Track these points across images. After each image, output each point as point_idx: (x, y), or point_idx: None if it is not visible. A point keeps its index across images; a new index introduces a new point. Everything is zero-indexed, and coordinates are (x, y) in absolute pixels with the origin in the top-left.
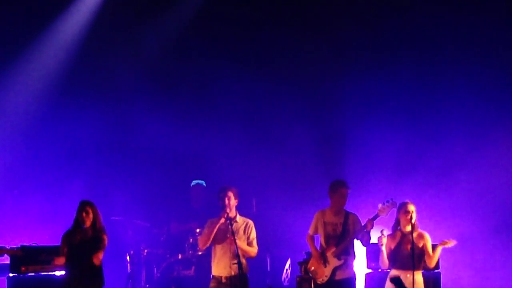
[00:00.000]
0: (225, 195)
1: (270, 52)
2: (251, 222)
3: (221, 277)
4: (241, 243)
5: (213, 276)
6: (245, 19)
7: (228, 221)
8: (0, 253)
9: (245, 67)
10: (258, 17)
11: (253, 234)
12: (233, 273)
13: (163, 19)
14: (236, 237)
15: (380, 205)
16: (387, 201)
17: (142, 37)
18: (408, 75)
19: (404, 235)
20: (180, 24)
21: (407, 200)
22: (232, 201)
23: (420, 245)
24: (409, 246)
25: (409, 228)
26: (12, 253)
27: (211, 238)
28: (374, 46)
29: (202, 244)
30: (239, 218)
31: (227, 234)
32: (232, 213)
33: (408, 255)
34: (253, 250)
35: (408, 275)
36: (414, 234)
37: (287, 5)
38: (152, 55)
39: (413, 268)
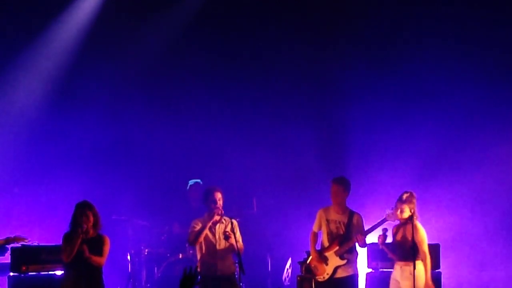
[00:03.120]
0: (215, 195)
1: (270, 50)
2: (235, 221)
3: (209, 276)
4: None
5: (201, 276)
6: (242, 17)
7: (218, 220)
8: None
9: (244, 66)
10: (255, 15)
11: (238, 232)
12: (219, 273)
13: (161, 18)
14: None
15: (388, 211)
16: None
17: (140, 37)
18: (413, 70)
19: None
20: (179, 22)
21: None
22: (221, 201)
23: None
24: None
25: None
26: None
27: (203, 236)
28: (377, 40)
29: (192, 241)
30: (224, 218)
31: (224, 233)
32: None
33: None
34: (242, 247)
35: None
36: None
37: (286, 5)
38: (153, 55)
39: (413, 259)
